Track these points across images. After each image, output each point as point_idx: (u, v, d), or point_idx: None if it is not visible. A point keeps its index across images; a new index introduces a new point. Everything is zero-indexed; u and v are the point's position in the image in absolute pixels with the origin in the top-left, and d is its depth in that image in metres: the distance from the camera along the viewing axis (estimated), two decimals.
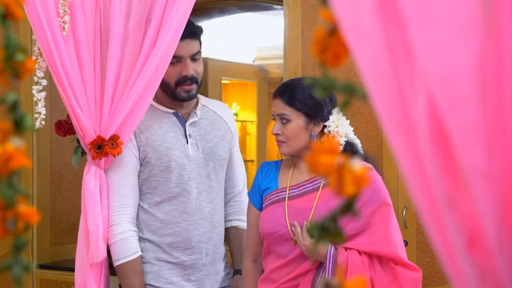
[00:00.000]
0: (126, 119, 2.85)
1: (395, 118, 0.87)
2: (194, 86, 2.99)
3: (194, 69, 2.98)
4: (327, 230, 0.76)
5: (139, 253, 2.90)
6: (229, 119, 3.20)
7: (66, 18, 2.76)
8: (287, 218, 2.69)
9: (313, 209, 2.67)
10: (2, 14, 0.90)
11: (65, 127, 3.04)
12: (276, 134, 2.73)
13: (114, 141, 2.84)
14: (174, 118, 3.01)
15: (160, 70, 2.87)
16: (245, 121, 7.77)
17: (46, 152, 4.98)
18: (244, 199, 3.19)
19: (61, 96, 2.83)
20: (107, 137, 2.84)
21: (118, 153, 2.84)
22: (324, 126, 2.66)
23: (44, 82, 2.78)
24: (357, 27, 0.90)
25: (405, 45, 0.88)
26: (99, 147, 2.83)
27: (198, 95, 3.13)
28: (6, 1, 0.90)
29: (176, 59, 2.93)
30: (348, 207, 0.76)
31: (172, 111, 3.02)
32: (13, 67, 0.90)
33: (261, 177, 2.87)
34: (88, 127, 2.83)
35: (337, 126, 2.62)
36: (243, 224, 3.14)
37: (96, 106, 2.87)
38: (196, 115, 3.05)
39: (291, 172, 2.81)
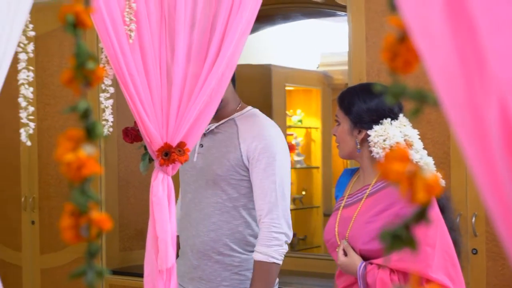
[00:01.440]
0: (193, 126, 2.87)
1: (467, 124, 0.85)
2: None
3: None
4: (400, 237, 0.75)
5: None
6: (248, 140, 3.07)
7: (132, 26, 2.79)
8: (336, 227, 2.69)
9: (352, 219, 2.65)
10: (72, 23, 0.91)
11: (132, 134, 3.07)
12: (334, 135, 2.76)
13: (181, 148, 2.85)
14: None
15: (225, 77, 2.88)
16: (310, 127, 7.74)
17: (113, 159, 5.07)
18: (264, 227, 3.02)
19: (128, 104, 2.86)
20: (174, 144, 2.85)
21: (185, 160, 2.86)
22: (368, 135, 2.63)
23: (111, 89, 2.81)
24: (427, 33, 0.89)
25: (476, 51, 0.86)
26: (166, 154, 2.85)
27: (251, 108, 3.23)
28: (76, 10, 0.91)
29: None
30: (421, 215, 0.75)
31: None
32: (83, 75, 0.91)
33: (337, 184, 2.89)
34: (155, 134, 2.85)
35: (385, 140, 2.57)
36: (257, 256, 3.00)
37: (162, 113, 2.88)
38: (217, 127, 3.15)
39: (354, 180, 2.80)
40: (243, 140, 3.06)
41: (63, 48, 5.09)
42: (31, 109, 2.51)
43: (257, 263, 2.99)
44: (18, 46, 2.44)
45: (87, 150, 0.87)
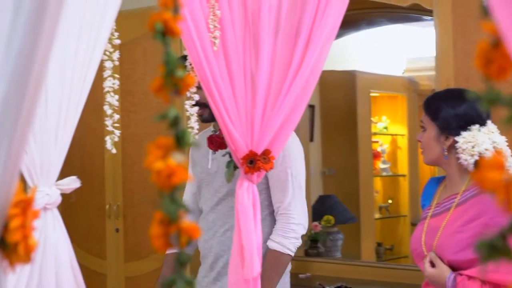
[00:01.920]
0: (277, 133, 2.87)
1: None
2: (207, 110, 3.14)
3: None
4: (496, 248, 0.74)
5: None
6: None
7: (217, 33, 2.82)
8: (423, 237, 2.65)
9: (440, 229, 2.60)
10: (161, 30, 0.93)
11: (217, 141, 3.09)
12: (418, 141, 2.73)
13: (266, 155, 2.85)
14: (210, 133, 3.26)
15: (310, 83, 2.88)
16: (396, 134, 7.67)
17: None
18: (281, 218, 3.13)
19: (212, 111, 2.89)
20: (259, 151, 2.86)
21: (270, 168, 2.86)
22: (456, 142, 2.58)
23: (196, 97, 2.82)
24: None
25: None
26: (251, 162, 2.86)
27: None
28: (165, 18, 0.93)
29: None
30: None
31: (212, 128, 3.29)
32: (173, 83, 0.92)
33: (423, 193, 2.85)
34: (240, 142, 2.87)
35: (473, 146, 2.52)
36: (273, 244, 3.10)
37: (247, 121, 2.90)
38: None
39: (440, 189, 2.76)
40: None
41: (147, 56, 5.17)
42: (116, 116, 2.56)
43: (271, 252, 3.09)
44: (104, 54, 2.50)
45: (177, 158, 0.89)
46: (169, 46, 0.92)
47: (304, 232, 3.17)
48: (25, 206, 1.16)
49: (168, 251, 3.24)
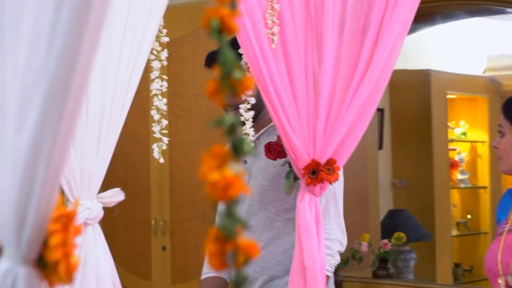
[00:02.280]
0: (343, 141, 2.87)
1: None
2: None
3: None
4: None
5: None
6: None
7: (275, 29, 2.82)
8: (499, 254, 2.62)
9: None
10: (217, 28, 0.94)
11: (276, 149, 3.06)
12: (495, 148, 2.70)
13: (330, 166, 2.85)
14: None
15: (380, 85, 2.87)
16: (475, 141, 7.59)
17: None
18: None
19: (270, 115, 2.89)
20: (322, 161, 2.86)
21: (335, 180, 2.85)
22: None
23: (252, 100, 2.82)
24: None
25: None
26: (314, 173, 2.85)
27: None
28: (221, 14, 0.93)
29: None
30: None
31: None
32: (230, 86, 0.93)
33: (499, 206, 2.82)
34: (301, 150, 2.87)
35: None
36: None
37: (309, 126, 2.89)
38: (258, 137, 3.19)
39: None
40: None
41: (197, 54, 5.18)
42: (165, 122, 2.58)
43: None
44: (151, 53, 2.52)
45: (234, 169, 0.89)
46: (226, 45, 0.92)
47: (341, 249, 3.12)
48: (66, 221, 1.18)
49: (203, 276, 3.25)
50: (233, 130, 0.92)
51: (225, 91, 0.92)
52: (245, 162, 3.19)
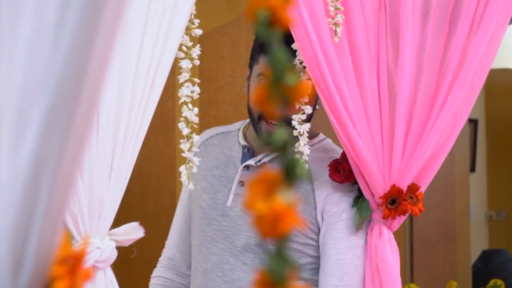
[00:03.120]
0: (429, 161, 2.89)
1: None
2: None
3: None
4: None
5: None
6: (326, 187, 3.02)
7: (339, 18, 2.80)
8: None
9: None
10: (266, 21, 0.95)
11: (345, 169, 2.98)
12: None
13: (413, 192, 2.84)
14: (240, 153, 3.13)
15: (474, 89, 2.86)
16: None
17: None
18: None
19: (334, 128, 2.89)
20: (403, 186, 2.88)
21: (420, 211, 2.85)
22: None
23: (309, 109, 2.80)
24: None
25: None
26: (393, 202, 2.86)
27: (324, 138, 3.18)
28: (271, 4, 0.95)
29: None
30: None
31: (244, 143, 3.15)
32: (281, 93, 0.95)
33: None
34: (375, 172, 2.88)
35: None
36: None
37: (383, 142, 2.91)
38: (272, 159, 3.05)
39: None
40: (319, 186, 3.02)
41: (237, 51, 5.18)
42: (196, 138, 2.57)
43: None
44: (180, 50, 2.51)
45: (286, 197, 0.91)
46: (277, 43, 0.93)
47: None
48: (74, 264, 1.20)
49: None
50: (285, 148, 0.94)
51: (275, 99, 0.93)
52: (242, 184, 3.09)
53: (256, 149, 3.11)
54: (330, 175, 2.98)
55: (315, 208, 2.97)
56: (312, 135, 3.09)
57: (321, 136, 3.18)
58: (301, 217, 2.99)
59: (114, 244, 2.40)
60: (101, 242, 2.35)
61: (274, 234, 0.90)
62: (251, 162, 3.05)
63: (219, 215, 3.12)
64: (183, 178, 2.56)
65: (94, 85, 1.12)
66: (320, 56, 2.81)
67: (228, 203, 3.10)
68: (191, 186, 2.56)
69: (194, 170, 2.57)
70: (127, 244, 2.50)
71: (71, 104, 1.07)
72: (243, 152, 3.11)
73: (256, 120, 3.01)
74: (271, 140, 0.97)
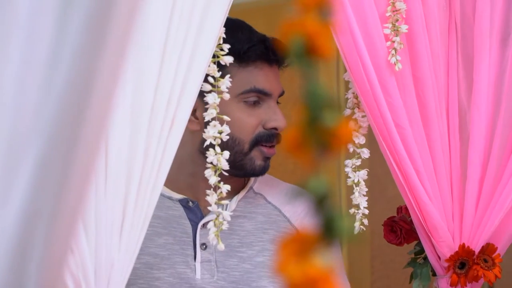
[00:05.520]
0: (508, 216, 2.88)
1: None
2: (274, 151, 2.99)
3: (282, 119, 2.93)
4: None
5: None
6: (299, 211, 3.07)
7: (396, 43, 2.78)
8: None
9: None
10: (300, 50, 0.96)
11: (404, 229, 2.99)
12: None
13: (489, 255, 2.82)
14: (181, 210, 2.99)
15: None
16: None
17: (365, 271, 5.14)
18: None
19: (393, 176, 2.88)
20: (475, 247, 2.86)
21: (496, 277, 2.84)
22: None
23: (365, 152, 2.79)
24: None
25: None
26: (462, 265, 2.85)
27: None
28: (307, 29, 0.95)
29: (260, 97, 2.91)
30: None
31: (179, 196, 2.99)
32: (317, 136, 0.94)
33: None
34: (443, 230, 2.86)
35: None
36: None
37: (452, 192, 2.91)
38: (229, 207, 2.93)
39: None
40: (291, 212, 3.09)
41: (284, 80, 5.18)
42: (225, 188, 2.55)
43: None
44: (205, 81, 2.49)
45: (324, 260, 0.91)
46: (314, 75, 0.93)
47: None
48: None
49: None
50: (322, 202, 0.94)
51: (311, 144, 0.93)
52: (204, 246, 2.96)
53: (199, 199, 2.96)
54: (385, 236, 2.97)
55: None
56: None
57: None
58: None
59: None
60: None
61: None
62: (212, 217, 2.76)
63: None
64: (211, 237, 2.53)
65: (98, 124, 1.13)
66: (378, 89, 2.80)
67: (198, 276, 2.95)
68: (222, 246, 2.53)
69: (225, 226, 2.56)
70: None
71: (69, 148, 1.08)
72: (185, 207, 2.99)
73: (249, 147, 2.94)
74: (309, 190, 0.96)
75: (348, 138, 0.97)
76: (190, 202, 2.97)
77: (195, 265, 2.93)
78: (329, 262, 0.93)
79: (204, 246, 2.93)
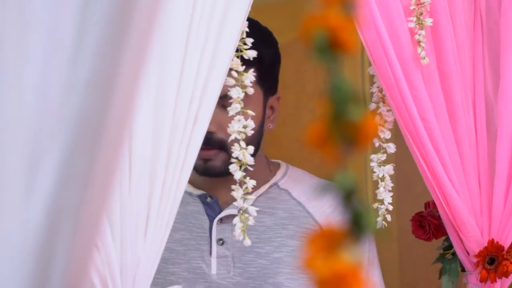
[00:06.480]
0: None
1: None
2: (214, 152, 2.94)
3: (219, 121, 2.85)
4: None
5: None
6: (323, 206, 3.09)
7: (421, 36, 2.79)
8: None
9: None
10: (323, 44, 0.96)
11: (433, 224, 2.99)
12: None
13: None
14: (200, 206, 3.02)
15: None
16: None
17: (394, 268, 5.13)
18: None
19: (420, 171, 2.88)
20: (505, 243, 2.86)
21: None
22: None
23: (391, 147, 2.80)
24: None
25: None
26: (492, 261, 2.85)
27: (283, 164, 3.18)
28: (330, 23, 0.95)
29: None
30: None
31: (199, 192, 3.02)
32: (342, 131, 0.95)
33: None
34: (472, 225, 2.86)
35: None
36: None
37: (480, 187, 2.91)
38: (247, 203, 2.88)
39: None
40: (316, 207, 3.09)
41: (303, 77, 5.15)
42: (251, 183, 2.56)
43: None
44: (229, 76, 2.49)
45: (352, 255, 0.91)
46: (338, 70, 0.93)
47: None
48: None
49: None
50: (349, 197, 0.94)
51: (336, 138, 0.94)
52: (221, 242, 2.99)
53: (219, 195, 3.01)
54: (414, 232, 2.97)
55: None
56: (275, 164, 3.18)
57: (280, 160, 3.20)
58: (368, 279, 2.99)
59: None
60: None
61: None
62: (230, 211, 2.93)
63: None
64: (237, 232, 2.52)
65: (121, 121, 1.13)
66: (403, 82, 2.79)
67: (213, 271, 3.00)
68: (248, 242, 2.52)
69: (251, 222, 2.56)
70: None
71: (93, 146, 1.08)
72: (204, 203, 3.03)
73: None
74: (335, 186, 0.97)
75: (373, 133, 0.97)
76: (209, 198, 3.01)
77: (210, 260, 2.97)
78: (357, 257, 0.93)
79: (221, 242, 2.97)
